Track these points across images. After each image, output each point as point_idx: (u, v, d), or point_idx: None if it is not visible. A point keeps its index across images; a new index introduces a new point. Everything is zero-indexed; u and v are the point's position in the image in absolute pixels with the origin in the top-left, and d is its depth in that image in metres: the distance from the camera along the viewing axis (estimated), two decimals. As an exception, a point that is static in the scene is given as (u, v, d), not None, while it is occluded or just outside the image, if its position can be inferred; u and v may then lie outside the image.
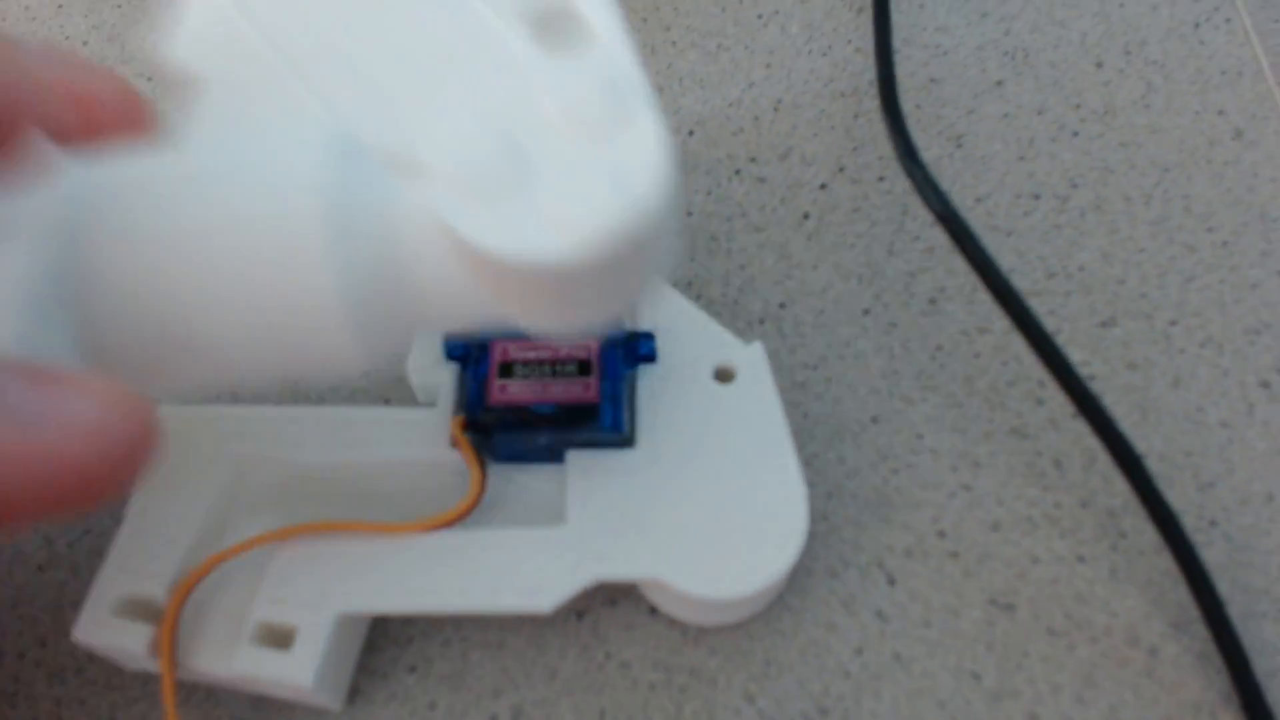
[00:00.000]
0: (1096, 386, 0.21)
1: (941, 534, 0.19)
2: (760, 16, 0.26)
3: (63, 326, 0.12)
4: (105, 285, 0.13)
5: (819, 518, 0.20)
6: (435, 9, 0.15)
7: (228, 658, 0.17)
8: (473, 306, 0.14)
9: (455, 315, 0.14)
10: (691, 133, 0.24)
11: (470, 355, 0.19)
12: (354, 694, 0.18)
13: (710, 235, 0.23)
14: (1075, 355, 0.21)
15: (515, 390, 0.18)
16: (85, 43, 0.27)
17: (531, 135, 0.13)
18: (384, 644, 0.19)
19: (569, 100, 0.13)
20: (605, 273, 0.13)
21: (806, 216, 0.23)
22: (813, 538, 0.20)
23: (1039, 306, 0.22)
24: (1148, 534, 0.19)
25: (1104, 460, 0.20)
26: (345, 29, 0.15)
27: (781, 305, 0.22)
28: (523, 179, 0.13)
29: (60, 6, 0.28)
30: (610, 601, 0.19)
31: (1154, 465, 0.20)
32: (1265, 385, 0.21)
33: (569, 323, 0.14)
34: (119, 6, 0.28)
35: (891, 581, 0.19)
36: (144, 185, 0.13)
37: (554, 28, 0.15)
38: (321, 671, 0.16)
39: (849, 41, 0.26)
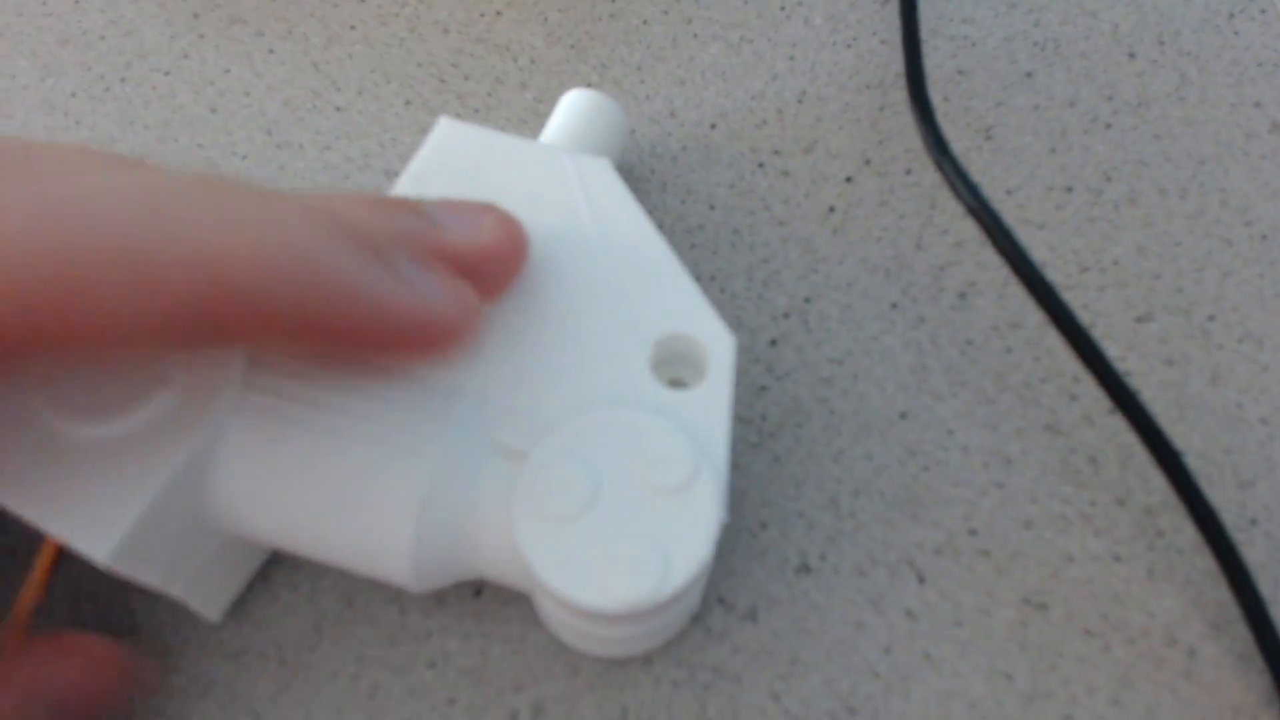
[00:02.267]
0: (1133, 383, 0.20)
1: (973, 532, 0.19)
2: (783, 8, 0.26)
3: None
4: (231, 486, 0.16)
5: (847, 515, 0.19)
6: (585, 315, 0.17)
7: None
8: (518, 581, 0.16)
9: (502, 581, 0.17)
10: (714, 126, 0.24)
11: None
12: (374, 689, 0.18)
13: (733, 229, 0.22)
14: (1111, 351, 0.21)
15: None
16: (103, 37, 0.27)
17: (613, 471, 0.15)
18: (402, 638, 0.19)
19: (657, 456, 0.15)
20: (631, 619, 0.15)
21: (832, 210, 0.23)
22: (840, 535, 0.19)
23: (1073, 301, 0.21)
24: (1186, 532, 0.19)
25: (1140, 457, 0.19)
26: (509, 310, 0.17)
27: (806, 300, 0.22)
28: (588, 509, 0.15)
29: (77, 2, 0.28)
30: (633, 598, 0.19)
31: (1192, 463, 0.19)
32: (1306, 381, 0.20)
33: (585, 639, 0.17)
34: (135, 1, 0.28)
35: (921, 580, 0.19)
36: (290, 420, 0.16)
37: (672, 351, 0.17)
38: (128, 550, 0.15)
39: (874, 33, 0.25)
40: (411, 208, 0.16)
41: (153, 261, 0.12)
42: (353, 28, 0.26)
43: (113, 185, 0.12)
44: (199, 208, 0.13)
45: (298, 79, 0.26)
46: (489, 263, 0.16)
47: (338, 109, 0.25)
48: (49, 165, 0.13)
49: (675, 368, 0.18)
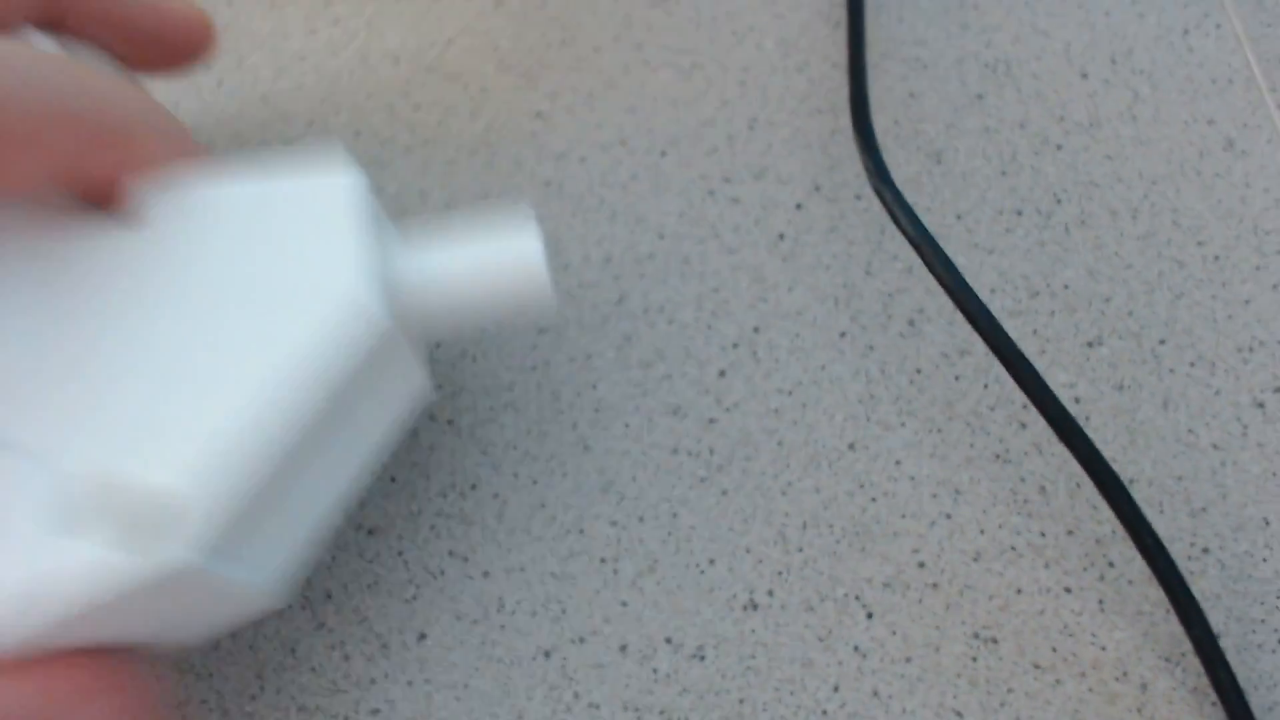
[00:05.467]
0: (1082, 409, 0.20)
1: (921, 565, 0.19)
2: (734, 32, 0.26)
3: None
4: None
5: (795, 549, 0.19)
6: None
7: None
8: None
9: None
10: (664, 153, 0.24)
11: None
12: (315, 739, 0.18)
13: (682, 258, 0.22)
14: (1060, 377, 0.20)
15: None
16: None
17: None
18: (345, 685, 0.18)
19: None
20: None
21: (782, 237, 0.22)
22: (789, 570, 0.19)
23: (1022, 327, 0.21)
24: (1137, 562, 0.18)
25: (1090, 486, 0.19)
26: None
27: (755, 329, 0.21)
28: None
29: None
30: (579, 640, 0.18)
31: (1143, 491, 0.19)
32: (1260, 405, 0.20)
33: None
34: (91, 35, 0.28)
35: (870, 615, 0.18)
36: None
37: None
38: None
39: (825, 57, 0.25)
40: None
41: None
42: (303, 59, 0.26)
43: None
44: None
45: (247, 112, 0.25)
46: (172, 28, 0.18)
47: (286, 142, 0.25)
48: None
49: None
